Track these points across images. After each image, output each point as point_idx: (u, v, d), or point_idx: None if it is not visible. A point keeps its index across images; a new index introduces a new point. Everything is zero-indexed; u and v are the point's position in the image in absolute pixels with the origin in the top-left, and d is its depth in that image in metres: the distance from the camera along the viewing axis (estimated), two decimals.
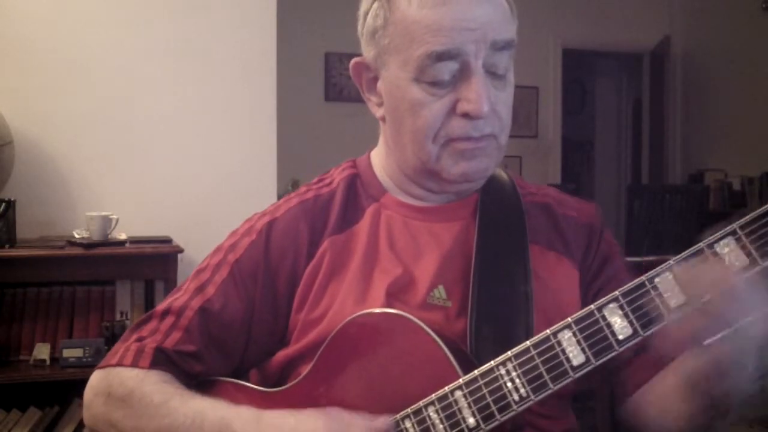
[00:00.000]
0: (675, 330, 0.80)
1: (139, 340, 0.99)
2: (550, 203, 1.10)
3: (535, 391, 0.83)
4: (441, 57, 0.93)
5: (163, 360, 0.97)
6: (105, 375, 0.97)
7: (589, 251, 1.07)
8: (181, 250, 2.56)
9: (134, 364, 0.96)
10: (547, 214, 1.08)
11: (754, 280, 0.78)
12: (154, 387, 0.93)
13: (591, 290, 1.04)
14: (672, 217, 5.07)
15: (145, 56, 2.81)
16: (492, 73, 0.96)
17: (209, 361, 1.00)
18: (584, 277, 1.05)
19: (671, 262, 0.80)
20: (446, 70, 0.94)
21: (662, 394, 0.97)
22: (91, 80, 2.76)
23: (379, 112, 1.05)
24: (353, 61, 1.05)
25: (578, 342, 0.84)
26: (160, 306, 1.02)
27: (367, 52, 1.02)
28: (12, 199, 2.48)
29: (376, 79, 1.03)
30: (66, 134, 2.74)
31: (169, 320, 1.00)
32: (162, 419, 0.91)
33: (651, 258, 3.28)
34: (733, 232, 0.78)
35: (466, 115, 0.95)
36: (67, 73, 2.74)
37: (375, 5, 0.99)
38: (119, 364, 0.96)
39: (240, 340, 1.01)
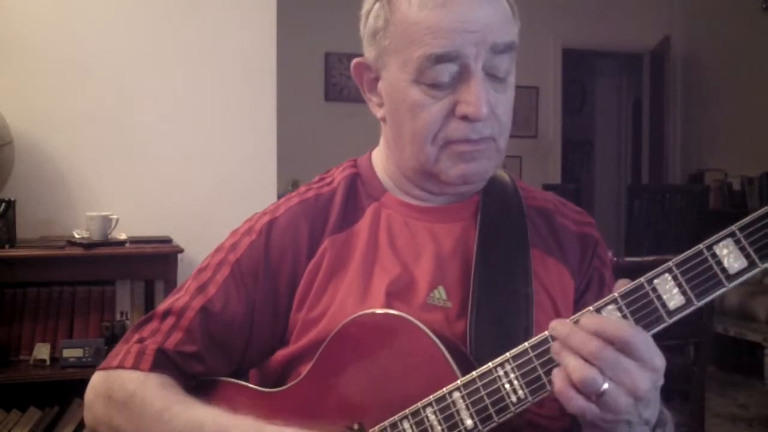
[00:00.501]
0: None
1: (140, 341, 0.98)
2: (549, 209, 1.09)
3: (533, 392, 0.83)
4: (440, 59, 0.93)
5: (164, 362, 0.96)
6: (106, 377, 0.97)
7: (582, 263, 1.07)
8: (181, 250, 2.56)
9: (135, 367, 0.95)
10: (546, 219, 1.08)
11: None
12: (155, 392, 0.93)
13: (579, 302, 1.04)
14: (672, 217, 5.07)
15: (145, 56, 2.82)
16: (492, 76, 0.96)
17: (210, 361, 1.00)
18: (577, 288, 1.05)
19: (671, 264, 0.80)
20: (446, 72, 0.94)
21: None
22: (91, 80, 2.76)
23: (379, 113, 1.05)
24: (354, 61, 1.05)
25: None
26: (161, 306, 1.02)
27: (368, 53, 1.02)
28: (12, 199, 2.48)
29: (376, 79, 1.03)
30: (66, 134, 2.74)
31: (170, 321, 0.99)
32: (163, 426, 0.90)
33: (651, 258, 3.29)
34: (732, 234, 0.78)
35: (465, 118, 0.94)
36: (67, 73, 2.74)
37: (376, 6, 0.99)
38: (120, 367, 0.96)
39: (241, 339, 1.01)
